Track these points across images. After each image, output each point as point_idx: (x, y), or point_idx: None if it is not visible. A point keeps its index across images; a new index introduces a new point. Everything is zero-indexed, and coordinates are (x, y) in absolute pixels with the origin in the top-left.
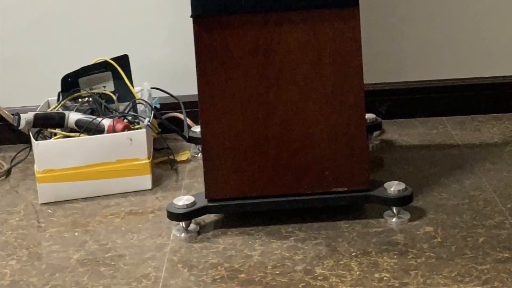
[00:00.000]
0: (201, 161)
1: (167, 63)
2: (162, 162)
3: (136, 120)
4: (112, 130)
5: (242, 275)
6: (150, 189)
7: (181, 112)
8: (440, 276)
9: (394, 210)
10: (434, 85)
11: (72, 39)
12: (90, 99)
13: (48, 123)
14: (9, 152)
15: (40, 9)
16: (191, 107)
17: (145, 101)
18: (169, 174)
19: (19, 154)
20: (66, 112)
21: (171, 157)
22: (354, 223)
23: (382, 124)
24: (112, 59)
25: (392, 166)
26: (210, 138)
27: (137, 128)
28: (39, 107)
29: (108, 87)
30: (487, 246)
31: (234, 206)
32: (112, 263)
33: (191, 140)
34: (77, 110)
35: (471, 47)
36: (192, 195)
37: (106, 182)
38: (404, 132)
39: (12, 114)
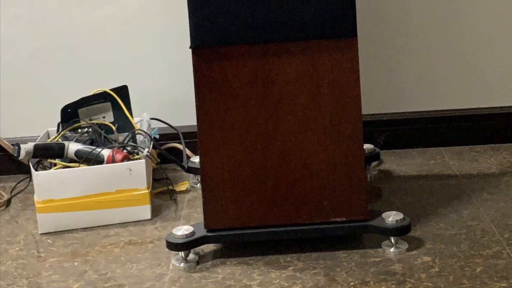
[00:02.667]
0: (200, 191)
1: (166, 94)
2: (161, 192)
3: (136, 151)
4: (112, 160)
5: None
6: (149, 219)
7: (180, 143)
8: None
9: (392, 240)
10: (431, 115)
11: (71, 70)
12: (90, 129)
13: (48, 153)
14: (9, 182)
15: (39, 40)
16: (190, 137)
17: (145, 132)
18: (168, 204)
19: (19, 184)
20: (66, 143)
21: (170, 187)
22: (352, 253)
23: (380, 154)
24: (111, 89)
25: (390, 196)
26: (209, 168)
27: (136, 159)
28: (39, 137)
29: (108, 118)
30: (484, 276)
31: (233, 236)
32: None
33: (190, 170)
34: (77, 141)
35: (468, 78)
36: (191, 225)
37: (105, 212)
38: (402, 163)
39: (12, 145)
